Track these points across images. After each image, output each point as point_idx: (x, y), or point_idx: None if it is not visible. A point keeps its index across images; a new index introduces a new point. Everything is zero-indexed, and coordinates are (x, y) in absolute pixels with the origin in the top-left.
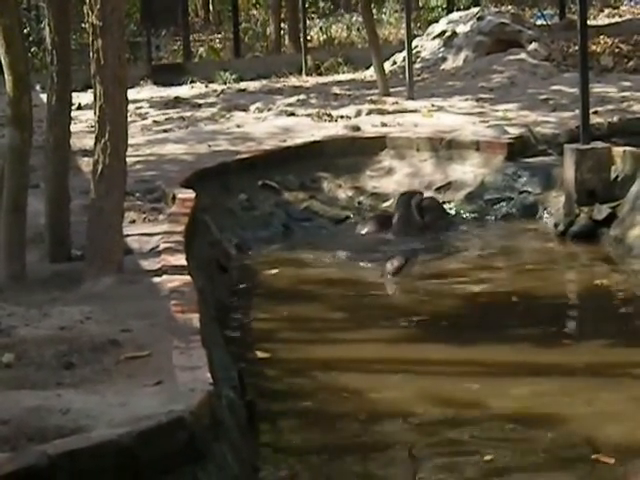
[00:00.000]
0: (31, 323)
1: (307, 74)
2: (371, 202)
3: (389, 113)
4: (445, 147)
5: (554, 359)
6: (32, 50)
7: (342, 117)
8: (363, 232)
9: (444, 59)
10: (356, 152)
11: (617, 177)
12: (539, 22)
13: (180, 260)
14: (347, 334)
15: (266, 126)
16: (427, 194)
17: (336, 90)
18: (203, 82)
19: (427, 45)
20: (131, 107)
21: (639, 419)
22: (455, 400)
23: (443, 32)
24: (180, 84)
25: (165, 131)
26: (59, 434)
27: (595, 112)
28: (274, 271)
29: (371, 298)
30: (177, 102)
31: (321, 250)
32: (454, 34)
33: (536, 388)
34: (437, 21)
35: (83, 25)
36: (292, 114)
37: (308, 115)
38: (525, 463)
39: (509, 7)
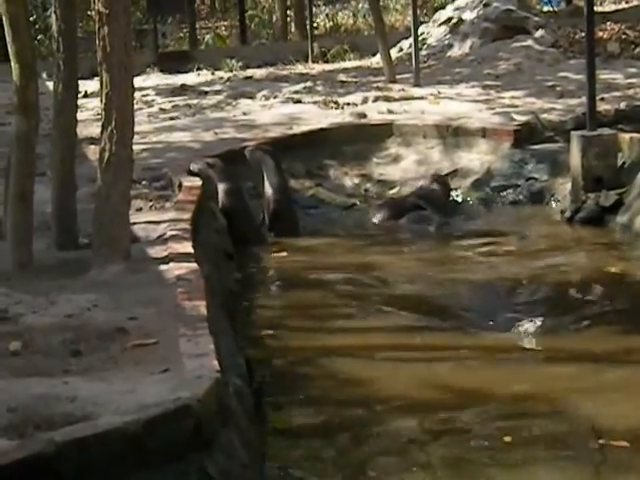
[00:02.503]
0: (38, 311)
1: (313, 61)
2: (378, 189)
3: (395, 100)
4: (452, 134)
5: (561, 344)
6: (38, 38)
7: (348, 104)
8: (375, 220)
9: (450, 46)
10: (362, 139)
11: (624, 164)
12: (546, 8)
13: (187, 248)
14: (355, 321)
15: (272, 113)
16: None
17: (342, 77)
18: (209, 69)
19: (433, 32)
20: (137, 95)
21: None
22: (463, 386)
23: (449, 19)
24: (186, 72)
25: (172, 119)
26: (66, 422)
27: (602, 99)
28: (281, 258)
29: (378, 285)
30: (183, 90)
31: (328, 237)
32: (460, 21)
33: (545, 373)
34: (443, 8)
35: (89, 12)
36: (298, 101)
37: (314, 102)
38: (537, 448)
39: None
